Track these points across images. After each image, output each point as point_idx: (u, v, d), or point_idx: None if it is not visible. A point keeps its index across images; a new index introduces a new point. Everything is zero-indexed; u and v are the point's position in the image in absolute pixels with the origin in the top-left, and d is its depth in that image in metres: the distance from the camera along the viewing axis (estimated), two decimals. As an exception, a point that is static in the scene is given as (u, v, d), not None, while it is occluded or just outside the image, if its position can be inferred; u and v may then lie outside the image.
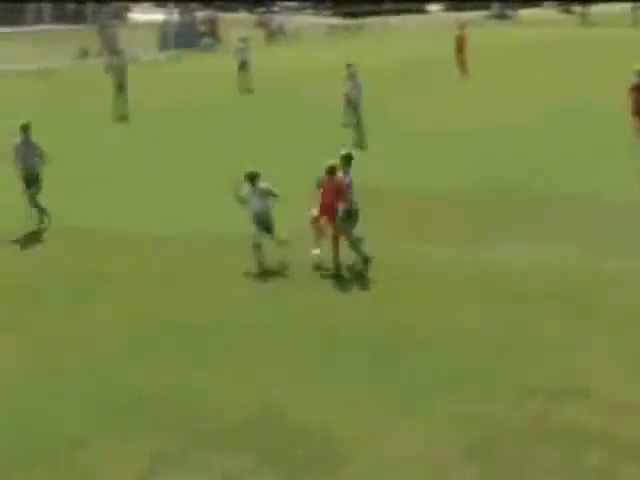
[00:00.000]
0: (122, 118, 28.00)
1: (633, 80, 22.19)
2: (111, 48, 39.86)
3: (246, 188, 14.43)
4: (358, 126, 24.33)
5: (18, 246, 16.03)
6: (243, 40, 35.77)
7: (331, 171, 14.32)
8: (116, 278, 14.13)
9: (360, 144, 22.60)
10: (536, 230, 16.02)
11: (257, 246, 14.27)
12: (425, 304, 12.92)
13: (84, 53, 43.27)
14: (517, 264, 14.39)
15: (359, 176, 14.85)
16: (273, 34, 52.57)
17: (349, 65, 25.71)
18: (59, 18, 43.49)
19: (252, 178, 14.37)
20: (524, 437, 9.40)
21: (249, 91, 33.68)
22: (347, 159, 14.53)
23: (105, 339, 11.93)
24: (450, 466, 8.90)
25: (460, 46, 37.36)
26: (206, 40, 48.22)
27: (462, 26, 38.58)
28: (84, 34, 44.37)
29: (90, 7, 50.69)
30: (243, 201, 14.46)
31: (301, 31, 54.77)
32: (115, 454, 9.17)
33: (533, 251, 14.97)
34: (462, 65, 36.89)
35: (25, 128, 17.12)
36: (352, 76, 25.34)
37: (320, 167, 14.44)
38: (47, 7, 39.88)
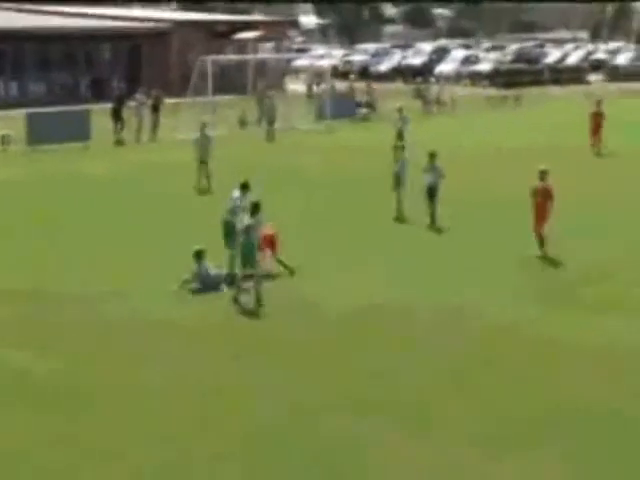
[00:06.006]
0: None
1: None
2: (269, 118, 40.58)
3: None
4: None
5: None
6: (399, 110, 35.81)
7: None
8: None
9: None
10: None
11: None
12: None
13: (243, 122, 44.20)
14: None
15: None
16: (429, 104, 52.34)
17: (430, 153, 23.20)
18: (221, 89, 44.88)
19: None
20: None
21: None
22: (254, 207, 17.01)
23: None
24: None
25: (596, 126, 33.18)
26: (362, 110, 48.53)
27: (599, 102, 34.26)
28: (243, 104, 45.43)
29: (250, 79, 52.04)
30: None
31: (457, 101, 54.32)
32: None
33: None
34: (597, 146, 32.96)
35: (245, 186, 18.81)
36: (432, 165, 23.18)
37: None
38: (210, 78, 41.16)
